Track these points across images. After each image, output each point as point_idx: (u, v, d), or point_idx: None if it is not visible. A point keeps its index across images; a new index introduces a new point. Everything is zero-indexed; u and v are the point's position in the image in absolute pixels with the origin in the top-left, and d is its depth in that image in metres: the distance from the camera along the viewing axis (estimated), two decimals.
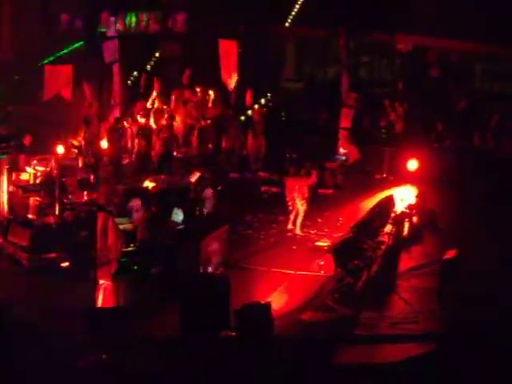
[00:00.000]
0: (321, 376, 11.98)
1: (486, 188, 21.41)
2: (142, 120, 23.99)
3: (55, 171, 19.44)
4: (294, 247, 18.20)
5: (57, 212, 17.42)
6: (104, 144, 22.10)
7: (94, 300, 13.29)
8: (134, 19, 26.36)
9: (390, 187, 22.70)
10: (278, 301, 14.72)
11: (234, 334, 13.20)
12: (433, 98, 30.34)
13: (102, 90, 24.18)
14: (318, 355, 12.07)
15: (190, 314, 13.28)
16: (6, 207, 17.77)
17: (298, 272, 16.50)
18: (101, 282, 13.39)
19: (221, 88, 24.85)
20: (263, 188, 22.22)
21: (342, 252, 17.14)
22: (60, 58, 23.49)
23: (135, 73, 27.85)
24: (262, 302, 13.64)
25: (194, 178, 20.72)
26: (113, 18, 24.71)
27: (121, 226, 15.12)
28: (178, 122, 24.84)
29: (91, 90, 23.68)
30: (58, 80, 22.51)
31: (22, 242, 16.62)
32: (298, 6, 32.47)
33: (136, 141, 22.96)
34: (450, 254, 16.04)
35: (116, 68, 23.50)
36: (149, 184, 19.65)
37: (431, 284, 15.81)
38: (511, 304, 15.05)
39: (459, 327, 12.22)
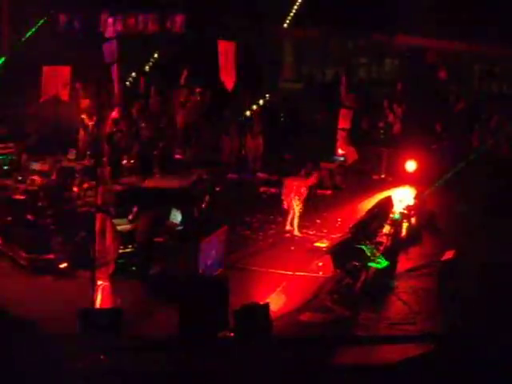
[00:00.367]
0: (319, 377, 11.98)
1: (485, 189, 21.41)
2: (140, 121, 24.00)
3: (54, 172, 19.45)
4: (293, 248, 18.20)
5: (56, 213, 17.40)
6: (103, 145, 22.08)
7: (93, 301, 13.28)
8: (132, 20, 26.38)
9: (388, 188, 22.72)
10: (276, 301, 14.73)
11: (232, 334, 13.21)
12: (431, 98, 30.38)
13: (100, 91, 24.17)
14: (317, 356, 12.07)
15: (188, 314, 13.29)
16: (5, 208, 17.77)
17: (297, 273, 16.51)
18: (99, 282, 13.38)
19: (219, 88, 24.83)
20: (262, 189, 22.23)
21: (341, 253, 17.14)
22: (59, 59, 23.40)
23: (134, 74, 27.87)
24: (261, 303, 13.65)
25: (193, 178, 20.73)
26: (111, 19, 24.68)
27: (119, 227, 15.13)
28: (176, 123, 24.87)
29: (85, 90, 23.68)
30: (56, 81, 22.51)
31: (21, 243, 16.62)
32: (296, 7, 32.50)
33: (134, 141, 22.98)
34: (449, 254, 16.05)
35: (115, 69, 23.50)
36: (148, 184, 19.65)
37: (430, 285, 15.82)
38: (510, 304, 15.06)
39: (458, 328, 12.23)
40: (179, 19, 27.27)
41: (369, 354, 12.12)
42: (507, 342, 12.51)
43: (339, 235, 18.56)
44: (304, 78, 34.04)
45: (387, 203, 20.56)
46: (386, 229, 19.16)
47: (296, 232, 18.95)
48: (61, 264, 16.06)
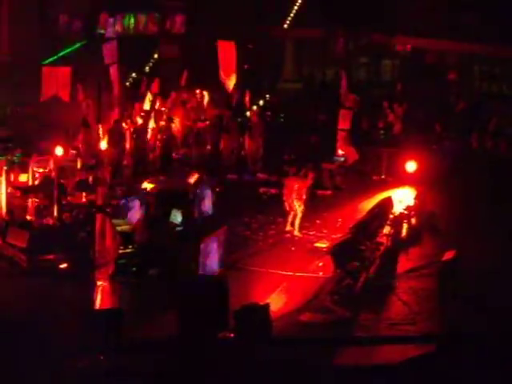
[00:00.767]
0: (320, 377, 11.97)
1: (485, 189, 21.41)
2: (139, 121, 24.00)
3: (54, 172, 19.44)
4: (293, 248, 18.19)
5: (55, 213, 17.40)
6: (103, 145, 22.11)
7: (93, 301, 13.27)
8: (132, 21, 26.37)
9: (388, 188, 22.72)
10: (276, 302, 14.71)
11: (232, 335, 13.20)
12: (432, 99, 30.41)
13: (100, 91, 24.20)
14: (317, 356, 12.05)
15: (188, 315, 13.27)
16: (4, 208, 17.76)
17: (297, 273, 16.49)
18: (99, 283, 13.38)
19: (219, 89, 24.85)
20: (262, 189, 22.22)
21: (341, 253, 17.13)
22: (59, 59, 23.48)
23: (134, 74, 27.88)
24: (261, 303, 13.63)
25: (193, 179, 20.73)
26: (111, 20, 24.70)
27: (119, 228, 15.13)
28: (176, 124, 24.87)
29: (85, 90, 23.69)
30: (57, 81, 22.52)
31: (20, 244, 16.61)
32: (296, 8, 32.52)
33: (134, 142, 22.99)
34: (449, 255, 16.04)
35: (115, 69, 23.51)
36: (147, 185, 19.63)
37: (430, 285, 15.80)
38: (510, 304, 15.05)
39: (458, 328, 12.21)
40: (179, 20, 27.30)
41: (369, 355, 12.10)
42: (507, 342, 12.49)
43: (339, 236, 18.54)
44: (304, 79, 34.08)
45: (387, 203, 20.56)
46: (386, 229, 19.16)
47: (296, 232, 18.95)
48: (61, 264, 16.05)
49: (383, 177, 24.10)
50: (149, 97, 24.74)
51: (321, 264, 16.72)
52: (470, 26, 29.43)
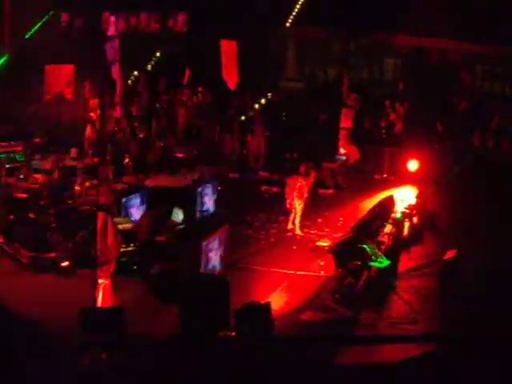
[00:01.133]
0: (320, 376, 11.97)
1: (487, 188, 21.41)
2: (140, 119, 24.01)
3: (56, 170, 19.45)
4: (294, 247, 18.20)
5: (57, 211, 17.40)
6: (105, 144, 22.10)
7: (94, 300, 13.27)
8: (134, 19, 26.37)
9: (390, 187, 22.74)
10: (277, 301, 14.71)
11: (233, 333, 13.20)
12: (433, 98, 30.38)
13: (102, 90, 24.17)
14: (318, 355, 12.05)
15: (189, 313, 13.28)
16: (6, 206, 17.77)
17: (298, 272, 16.50)
18: (100, 281, 13.37)
19: (221, 88, 24.83)
20: (263, 188, 22.23)
21: (342, 252, 17.14)
22: (61, 58, 23.43)
23: (136, 72, 27.88)
24: (262, 302, 13.63)
25: (194, 177, 20.74)
26: (113, 18, 24.67)
27: (120, 226, 15.13)
28: (178, 122, 24.89)
29: (93, 89, 23.68)
30: (59, 79, 22.51)
31: (22, 242, 16.62)
32: (298, 6, 32.50)
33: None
34: (450, 254, 16.04)
35: (116, 68, 23.49)
36: (149, 183, 19.64)
37: (431, 284, 15.81)
38: (510, 303, 15.07)
39: (459, 327, 12.22)
40: (181, 18, 27.26)
41: (370, 354, 12.09)
42: (508, 342, 12.49)
43: (341, 234, 18.56)
44: (306, 78, 34.07)
45: (389, 202, 20.57)
46: (388, 228, 19.17)
47: (298, 231, 18.95)
48: (62, 262, 16.06)
49: (385, 176, 24.12)
50: (146, 95, 24.69)
51: (322, 263, 16.72)
52: (471, 25, 29.38)
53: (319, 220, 19.82)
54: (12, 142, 21.43)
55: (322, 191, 22.00)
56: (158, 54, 29.80)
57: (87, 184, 19.10)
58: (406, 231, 19.37)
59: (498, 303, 15.23)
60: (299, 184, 18.95)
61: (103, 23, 25.29)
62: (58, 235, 16.66)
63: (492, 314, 14.67)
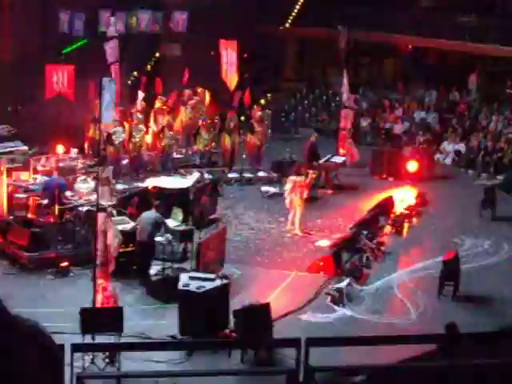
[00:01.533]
0: (320, 377, 11.97)
1: (486, 189, 21.40)
2: (139, 119, 23.92)
3: (55, 171, 19.41)
4: (294, 247, 18.18)
5: (56, 212, 17.39)
6: (105, 144, 22.07)
7: (93, 300, 13.27)
8: (134, 19, 26.34)
9: (389, 188, 22.72)
10: (277, 301, 14.72)
11: (233, 334, 13.21)
12: (432, 98, 30.37)
13: (102, 90, 24.10)
14: (317, 356, 12.07)
15: (189, 314, 13.28)
16: (5, 207, 17.74)
17: (298, 272, 16.50)
18: (100, 281, 13.37)
19: (221, 88, 24.82)
20: (263, 188, 22.21)
21: (342, 253, 17.16)
22: (61, 58, 23.44)
23: (135, 73, 27.85)
24: (262, 302, 13.64)
25: (194, 178, 20.72)
26: (113, 18, 24.66)
27: (120, 226, 15.12)
28: (177, 122, 24.85)
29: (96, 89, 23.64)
30: (60, 79, 22.48)
31: (21, 242, 16.61)
32: (298, 7, 32.49)
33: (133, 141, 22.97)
34: (450, 254, 16.05)
35: (116, 68, 23.48)
36: (148, 184, 19.62)
37: (430, 285, 15.81)
38: (510, 304, 15.06)
39: (459, 328, 12.19)
40: (181, 18, 27.25)
41: (369, 354, 12.09)
42: (508, 342, 12.49)
43: (340, 235, 18.57)
44: (306, 78, 34.06)
45: (388, 203, 20.59)
46: (387, 229, 19.19)
47: (297, 231, 18.94)
48: (62, 263, 16.05)
49: (384, 176, 24.10)
50: (141, 96, 24.56)
51: (322, 263, 16.72)
52: (470, 25, 29.38)
53: (319, 221, 19.81)
54: (11, 143, 21.38)
55: (321, 192, 21.99)
56: (157, 55, 29.76)
57: (87, 184, 19.10)
58: (405, 232, 19.39)
59: (497, 303, 15.25)
60: (298, 184, 18.94)
61: (103, 24, 25.30)
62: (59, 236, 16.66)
63: (491, 314, 14.68)
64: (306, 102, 32.27)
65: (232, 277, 15.38)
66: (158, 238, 15.92)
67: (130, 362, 11.84)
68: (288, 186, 19.10)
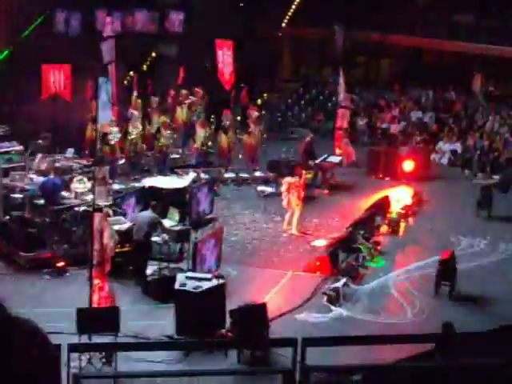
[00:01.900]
0: (316, 377, 11.97)
1: (482, 188, 21.43)
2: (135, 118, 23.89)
3: (51, 171, 19.38)
4: (290, 247, 18.19)
5: (53, 212, 17.36)
6: (101, 144, 22.05)
7: (90, 300, 13.26)
8: (130, 19, 26.35)
9: (385, 188, 22.73)
10: (274, 301, 14.72)
11: (229, 333, 13.20)
12: (428, 98, 30.40)
13: (98, 90, 24.07)
14: (314, 356, 12.06)
15: (185, 314, 13.28)
16: (2, 207, 17.72)
17: (294, 272, 16.51)
18: (96, 281, 13.36)
19: (217, 88, 24.81)
20: (259, 188, 22.21)
21: (338, 252, 17.16)
22: (59, 58, 23.38)
23: (131, 73, 27.83)
24: (258, 302, 13.64)
25: (190, 178, 20.71)
26: (109, 18, 24.64)
27: (116, 226, 15.10)
28: (174, 122, 24.83)
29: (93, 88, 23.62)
30: (57, 79, 22.48)
31: (18, 242, 16.59)
32: (294, 7, 32.49)
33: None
34: (446, 254, 16.07)
35: (112, 68, 23.46)
36: (145, 184, 19.61)
37: (427, 284, 15.82)
38: (508, 303, 15.08)
39: (456, 327, 12.21)
40: (177, 18, 27.25)
41: (367, 354, 12.10)
42: (506, 342, 12.50)
43: (337, 235, 18.57)
44: (302, 78, 34.07)
45: (384, 203, 20.60)
46: (384, 228, 19.19)
47: (294, 231, 18.94)
48: (58, 263, 16.04)
49: (380, 176, 24.11)
50: (135, 96, 24.53)
51: (318, 263, 16.72)
52: (467, 25, 29.43)
53: (315, 220, 19.82)
54: (7, 143, 21.36)
55: (317, 191, 22.00)
56: (153, 55, 29.75)
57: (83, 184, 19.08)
58: (401, 231, 19.40)
59: (495, 303, 15.26)
60: (294, 185, 18.93)
61: (99, 23, 25.29)
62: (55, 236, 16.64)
63: (488, 313, 14.70)
64: (303, 101, 32.30)
65: (228, 277, 15.37)
66: (154, 238, 15.93)
67: (127, 361, 11.85)
68: (284, 187, 19.10)
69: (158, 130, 23.47)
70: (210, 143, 24.13)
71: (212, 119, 25.27)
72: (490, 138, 26.37)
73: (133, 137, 22.84)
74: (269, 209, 20.41)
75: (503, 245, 18.44)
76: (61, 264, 16.02)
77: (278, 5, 31.67)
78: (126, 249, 15.77)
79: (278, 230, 19.14)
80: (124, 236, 15.48)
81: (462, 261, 16.53)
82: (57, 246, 16.57)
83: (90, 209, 14.50)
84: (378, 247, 17.91)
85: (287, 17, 32.64)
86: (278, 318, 13.99)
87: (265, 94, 31.36)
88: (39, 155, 20.20)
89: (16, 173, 19.77)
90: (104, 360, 12.15)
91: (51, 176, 18.43)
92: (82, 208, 17.17)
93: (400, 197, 21.78)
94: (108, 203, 16.07)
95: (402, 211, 20.35)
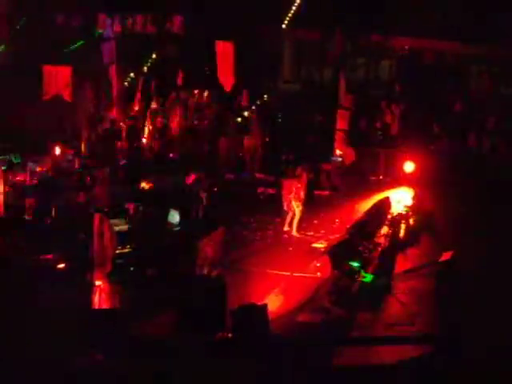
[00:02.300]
0: (317, 378, 11.97)
1: (482, 189, 21.42)
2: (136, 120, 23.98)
3: (51, 172, 19.43)
4: (291, 249, 18.19)
5: (53, 213, 17.38)
6: (101, 145, 22.09)
7: (90, 301, 13.26)
8: (131, 21, 26.35)
9: (386, 189, 22.72)
10: (274, 302, 14.71)
11: (230, 335, 13.20)
12: (429, 99, 30.40)
13: (99, 92, 24.15)
14: (315, 357, 12.07)
15: (186, 315, 13.27)
16: (1, 208, 17.73)
17: (295, 273, 16.50)
18: (96, 283, 13.36)
19: (217, 89, 24.83)
20: (259, 189, 22.21)
21: (339, 254, 17.14)
22: (60, 59, 23.39)
23: (132, 74, 27.87)
24: (259, 304, 13.63)
25: (191, 179, 20.72)
26: (110, 20, 24.67)
27: (117, 228, 15.11)
28: (174, 124, 24.86)
29: (94, 90, 23.66)
30: (58, 81, 22.49)
31: (17, 243, 16.58)
32: (295, 7, 32.48)
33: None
34: (447, 255, 16.05)
35: (113, 69, 23.50)
36: (145, 185, 19.63)
37: (427, 285, 15.81)
38: (508, 305, 15.07)
39: (455, 329, 12.22)
40: (178, 20, 27.26)
41: (367, 355, 12.10)
42: (506, 343, 12.51)
43: (337, 236, 18.56)
44: (302, 79, 34.06)
45: (385, 204, 20.59)
46: (384, 230, 19.18)
47: (294, 233, 18.95)
48: (58, 264, 16.03)
49: (381, 177, 24.12)
50: (137, 97, 24.58)
51: (318, 264, 16.72)
52: (466, 26, 29.42)
53: (315, 222, 19.82)
54: (8, 144, 21.41)
55: (317, 193, 22.00)
56: (153, 56, 29.76)
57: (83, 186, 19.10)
58: (402, 233, 19.38)
59: (495, 304, 15.25)
60: (295, 186, 18.93)
61: (100, 25, 25.31)
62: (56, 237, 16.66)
63: (488, 315, 14.69)
64: (303, 102, 32.23)
65: (228, 278, 15.35)
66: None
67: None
68: (284, 188, 19.10)
69: (159, 131, 23.51)
70: (211, 144, 24.17)
71: (213, 121, 25.30)
72: (491, 137, 26.34)
73: (134, 138, 22.90)
74: (269, 210, 20.41)
75: (505, 246, 18.39)
76: (61, 265, 16.00)
77: (278, 6, 31.65)
78: (126, 250, 15.77)
79: (278, 231, 19.14)
80: (125, 237, 15.48)
81: (463, 262, 16.50)
82: (57, 247, 16.56)
83: (91, 210, 14.52)
84: (379, 248, 17.89)
85: (288, 18, 32.64)
86: (278, 319, 13.97)
87: (265, 95, 31.36)
88: (39, 155, 20.26)
89: (16, 174, 19.84)
90: (105, 361, 12.12)
91: (51, 177, 18.48)
92: (83, 209, 17.18)
93: (401, 198, 21.76)
94: (108, 204, 16.13)
95: (403, 212, 20.33)
